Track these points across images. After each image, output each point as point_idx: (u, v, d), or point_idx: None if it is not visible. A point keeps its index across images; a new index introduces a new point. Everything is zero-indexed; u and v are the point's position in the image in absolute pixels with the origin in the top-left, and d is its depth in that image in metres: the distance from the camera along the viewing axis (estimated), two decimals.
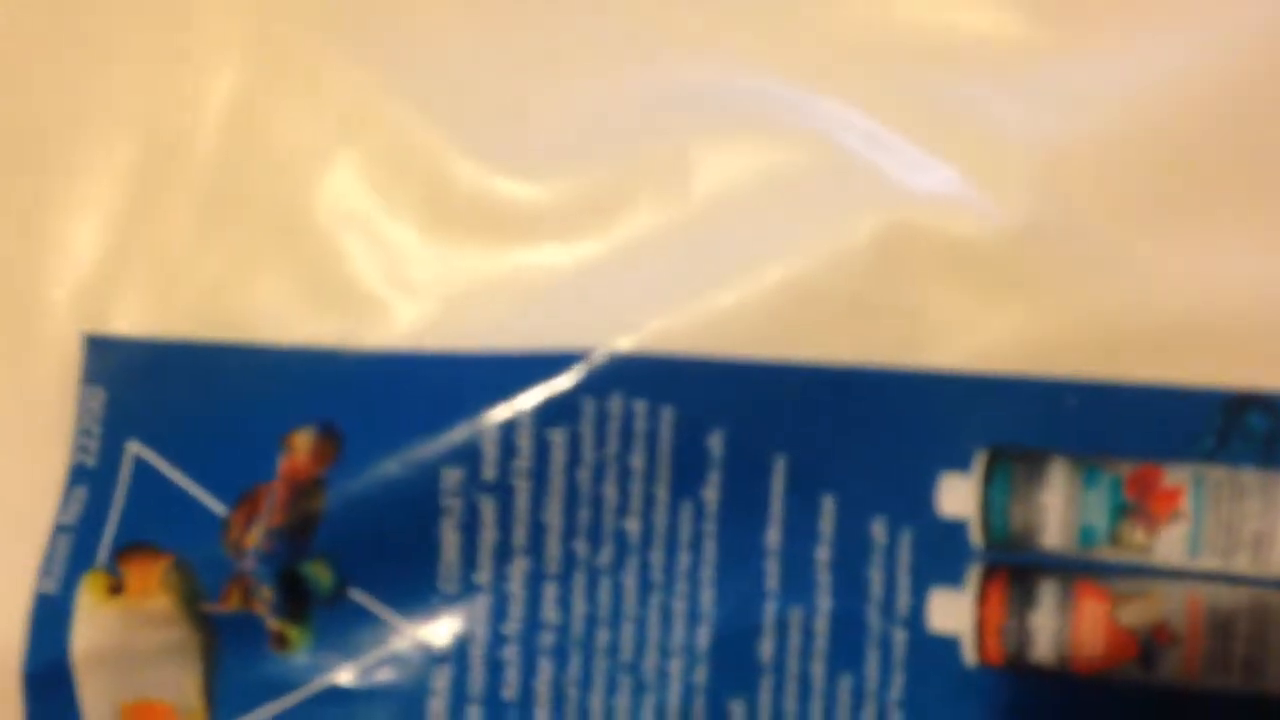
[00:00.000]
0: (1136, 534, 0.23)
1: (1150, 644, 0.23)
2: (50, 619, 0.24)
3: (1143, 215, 0.24)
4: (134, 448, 0.25)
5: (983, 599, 0.24)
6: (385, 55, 0.26)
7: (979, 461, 0.24)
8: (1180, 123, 0.24)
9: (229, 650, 0.24)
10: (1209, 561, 0.23)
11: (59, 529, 0.25)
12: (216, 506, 0.24)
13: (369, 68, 0.26)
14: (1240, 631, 0.23)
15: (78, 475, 0.25)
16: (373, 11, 0.26)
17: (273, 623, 0.24)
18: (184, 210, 0.26)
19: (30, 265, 0.26)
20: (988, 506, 0.24)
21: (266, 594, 0.24)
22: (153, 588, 0.24)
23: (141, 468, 0.25)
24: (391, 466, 0.24)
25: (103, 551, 0.25)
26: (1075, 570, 0.24)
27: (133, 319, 0.26)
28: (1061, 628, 0.23)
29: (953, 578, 0.24)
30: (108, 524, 0.25)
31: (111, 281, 0.26)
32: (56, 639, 0.24)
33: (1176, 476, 0.23)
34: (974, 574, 0.24)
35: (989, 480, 0.24)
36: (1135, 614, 0.23)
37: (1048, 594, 0.24)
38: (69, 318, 0.26)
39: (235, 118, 0.26)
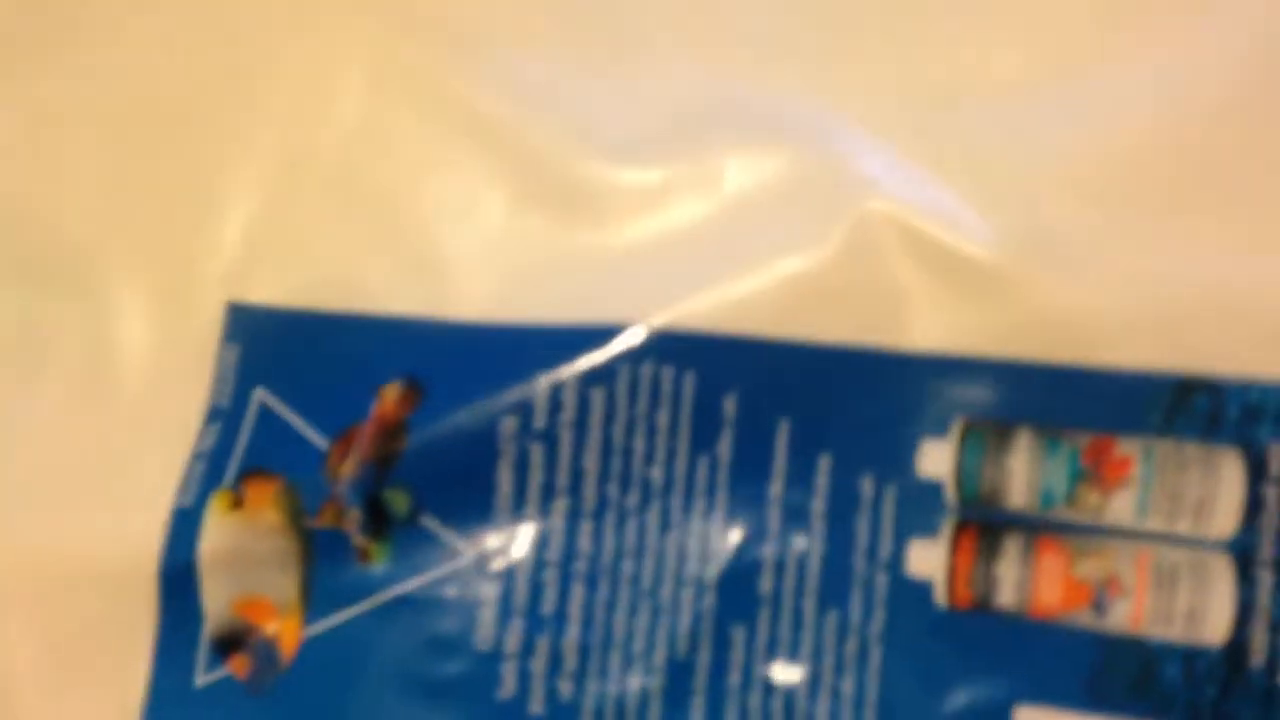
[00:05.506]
0: (1091, 497, 0.26)
1: (1102, 595, 0.26)
2: (184, 528, 0.30)
3: (1108, 223, 0.27)
4: (260, 394, 0.31)
5: (955, 549, 0.27)
6: (483, 71, 0.31)
7: (954, 429, 0.27)
8: (1136, 145, 0.28)
9: (322, 560, 0.30)
10: (1155, 523, 0.26)
11: (196, 456, 0.31)
12: (320, 441, 0.30)
13: (471, 84, 0.31)
14: (1182, 587, 0.26)
15: (214, 415, 0.31)
16: (471, 32, 0.32)
17: (358, 539, 0.29)
18: (313, 205, 0.32)
19: (188, 247, 0.32)
20: (961, 469, 0.27)
21: (354, 515, 0.29)
22: (266, 504, 0.30)
23: (264, 410, 0.31)
24: (461, 415, 0.29)
25: (230, 474, 0.30)
26: (1037, 527, 0.27)
27: (267, 290, 0.31)
28: (1023, 577, 0.27)
29: (929, 529, 0.27)
30: (234, 453, 0.30)
31: (252, 261, 0.32)
32: (188, 544, 0.30)
33: (1128, 447, 0.26)
34: (947, 527, 0.27)
35: (963, 446, 0.27)
36: (1090, 568, 0.26)
37: (1012, 547, 0.27)
38: (217, 288, 0.32)
39: (359, 130, 0.32)
